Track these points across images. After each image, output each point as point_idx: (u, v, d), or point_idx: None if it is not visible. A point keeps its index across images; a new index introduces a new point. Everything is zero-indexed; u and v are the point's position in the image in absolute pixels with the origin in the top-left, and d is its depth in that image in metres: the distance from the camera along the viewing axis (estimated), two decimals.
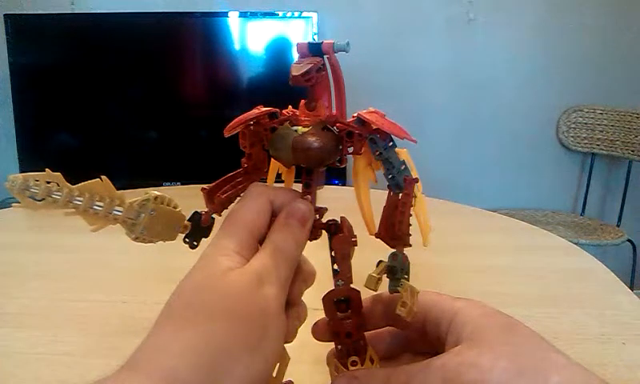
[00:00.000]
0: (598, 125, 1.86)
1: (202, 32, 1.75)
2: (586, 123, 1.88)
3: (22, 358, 0.42)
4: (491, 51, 1.87)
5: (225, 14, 1.69)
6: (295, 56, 0.28)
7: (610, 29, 1.83)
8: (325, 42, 0.27)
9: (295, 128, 0.28)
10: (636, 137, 1.77)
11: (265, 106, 0.30)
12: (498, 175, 1.96)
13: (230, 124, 0.29)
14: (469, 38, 1.85)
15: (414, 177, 0.27)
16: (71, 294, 0.53)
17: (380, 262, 0.28)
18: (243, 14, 1.69)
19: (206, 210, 0.30)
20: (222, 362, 0.22)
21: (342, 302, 0.29)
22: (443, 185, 1.39)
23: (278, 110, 0.30)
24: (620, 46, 1.85)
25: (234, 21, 1.69)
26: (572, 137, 1.90)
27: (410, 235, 0.27)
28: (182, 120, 1.76)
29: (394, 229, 0.27)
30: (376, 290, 0.28)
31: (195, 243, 0.29)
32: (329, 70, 0.28)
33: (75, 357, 0.42)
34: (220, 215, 0.30)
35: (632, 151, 1.78)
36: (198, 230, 0.29)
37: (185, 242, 0.29)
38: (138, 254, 0.65)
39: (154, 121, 1.78)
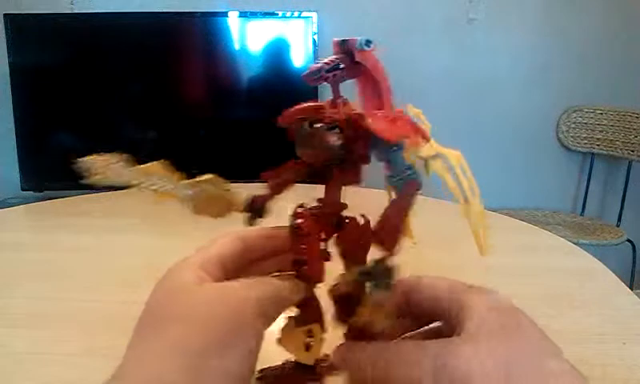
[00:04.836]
0: (598, 125, 1.86)
1: (202, 32, 1.75)
2: (585, 123, 1.88)
3: (22, 358, 0.42)
4: (491, 51, 1.87)
5: (225, 14, 1.69)
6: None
7: (609, 29, 1.83)
8: (350, 39, 0.27)
9: (316, 126, 0.28)
10: (636, 137, 1.77)
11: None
12: (497, 175, 1.96)
13: (287, 113, 0.29)
14: (469, 38, 1.85)
15: (419, 182, 0.27)
16: (71, 294, 0.53)
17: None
18: (243, 14, 1.69)
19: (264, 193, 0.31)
20: (201, 361, 0.22)
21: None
22: (443, 184, 1.38)
23: (323, 105, 0.29)
24: (620, 46, 1.85)
25: (233, 21, 1.69)
26: (572, 137, 1.90)
27: (398, 244, 0.26)
28: (181, 120, 1.76)
29: (381, 232, 0.27)
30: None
31: (252, 222, 0.31)
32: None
33: (75, 357, 0.42)
34: (276, 196, 0.31)
35: (632, 151, 1.78)
36: (254, 210, 0.31)
37: (244, 220, 0.31)
38: (138, 255, 0.65)
39: (153, 121, 1.78)
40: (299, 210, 0.29)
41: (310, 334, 0.31)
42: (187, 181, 0.28)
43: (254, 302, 0.25)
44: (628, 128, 1.80)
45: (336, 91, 0.28)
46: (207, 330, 0.23)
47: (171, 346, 0.23)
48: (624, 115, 1.81)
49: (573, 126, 1.89)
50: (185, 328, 0.23)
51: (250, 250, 0.30)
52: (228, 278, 0.27)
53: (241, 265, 0.29)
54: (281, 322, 0.30)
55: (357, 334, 0.29)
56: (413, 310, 0.29)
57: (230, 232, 0.30)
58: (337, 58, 0.27)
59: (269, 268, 0.30)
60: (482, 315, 0.26)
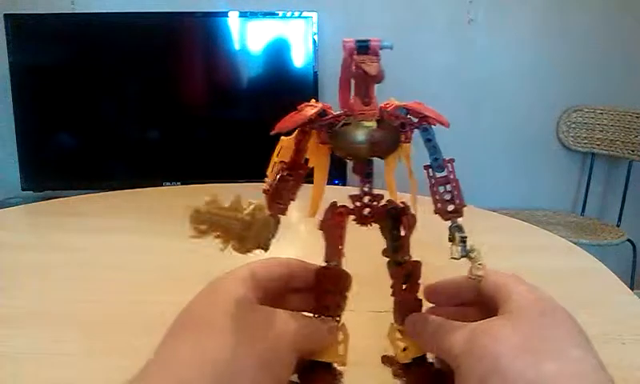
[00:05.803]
0: (598, 125, 1.86)
1: (202, 32, 1.75)
2: (586, 123, 1.88)
3: (22, 358, 0.42)
4: (491, 51, 1.87)
5: (225, 14, 1.69)
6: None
7: (609, 29, 1.83)
8: (372, 40, 0.28)
9: (361, 123, 0.29)
10: (636, 137, 1.77)
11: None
12: (497, 175, 1.96)
13: (284, 124, 0.29)
14: (469, 38, 1.85)
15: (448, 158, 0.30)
16: (71, 294, 0.53)
17: (451, 236, 0.29)
18: (243, 14, 1.69)
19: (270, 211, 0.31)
20: (229, 376, 0.23)
21: (407, 274, 0.32)
22: None
23: (322, 106, 0.30)
24: (620, 46, 1.85)
25: (233, 21, 1.69)
26: (572, 137, 1.90)
27: (465, 207, 0.29)
28: (181, 120, 1.76)
29: (449, 204, 0.29)
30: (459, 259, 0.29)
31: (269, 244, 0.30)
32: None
33: (76, 357, 0.42)
34: (285, 214, 0.31)
35: (632, 151, 1.78)
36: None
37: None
38: (138, 255, 0.65)
39: (153, 121, 1.78)
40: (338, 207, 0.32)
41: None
42: (246, 213, 0.26)
43: (291, 336, 0.26)
44: (628, 128, 1.80)
45: (372, 89, 0.29)
46: (244, 348, 0.24)
47: (205, 353, 0.23)
48: (624, 115, 1.81)
49: (573, 126, 1.89)
50: (222, 340, 0.24)
51: (294, 279, 0.31)
52: (267, 299, 0.28)
53: (281, 290, 0.30)
54: None
55: (403, 307, 0.32)
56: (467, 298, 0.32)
57: (279, 257, 0.31)
58: (378, 58, 0.28)
59: (306, 301, 0.31)
60: (521, 299, 0.27)
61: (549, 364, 0.23)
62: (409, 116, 0.30)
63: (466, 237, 0.28)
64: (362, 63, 0.27)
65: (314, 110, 0.30)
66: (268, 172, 0.31)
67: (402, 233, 0.32)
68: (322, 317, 0.31)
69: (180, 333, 0.25)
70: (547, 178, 1.97)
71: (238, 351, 0.23)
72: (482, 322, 0.27)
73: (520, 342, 0.24)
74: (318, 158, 0.32)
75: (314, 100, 0.31)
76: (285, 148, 0.31)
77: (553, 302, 0.28)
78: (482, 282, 0.29)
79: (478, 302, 0.30)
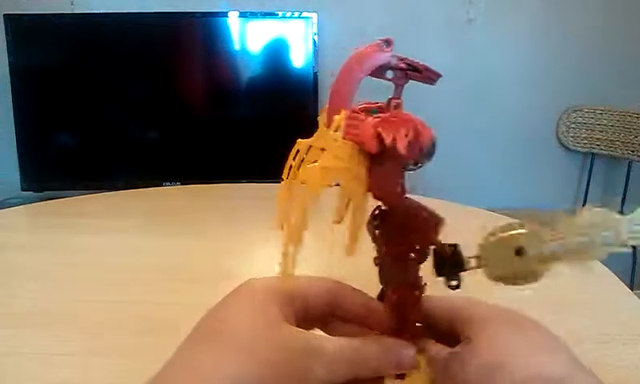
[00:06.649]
0: (598, 125, 1.86)
1: (202, 32, 1.75)
2: (585, 123, 1.88)
3: (23, 358, 0.42)
4: (491, 51, 1.87)
5: (225, 14, 1.69)
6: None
7: (609, 29, 1.83)
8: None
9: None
10: (636, 137, 1.77)
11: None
12: (497, 175, 1.96)
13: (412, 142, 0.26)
14: (469, 38, 1.85)
15: None
16: (71, 294, 0.53)
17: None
18: (243, 14, 1.69)
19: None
20: None
21: None
22: (443, 184, 1.39)
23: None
24: (620, 46, 1.85)
25: (233, 21, 1.69)
26: (572, 137, 1.90)
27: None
28: (182, 120, 1.76)
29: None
30: None
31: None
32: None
33: (76, 357, 0.42)
34: None
35: (632, 151, 1.78)
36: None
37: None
38: (139, 255, 0.65)
39: (154, 121, 1.78)
40: None
41: None
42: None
43: (322, 361, 0.24)
44: (628, 128, 1.79)
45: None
46: (268, 371, 0.22)
47: (223, 369, 0.22)
48: (624, 115, 1.81)
49: (573, 126, 1.89)
50: (244, 358, 0.22)
51: (337, 307, 0.28)
52: (303, 320, 0.26)
53: (321, 314, 0.28)
54: None
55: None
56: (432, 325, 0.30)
57: (325, 277, 0.28)
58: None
59: (352, 334, 0.28)
60: (490, 320, 0.27)
61: (517, 374, 0.23)
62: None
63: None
64: (419, 63, 0.27)
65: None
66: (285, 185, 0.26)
67: None
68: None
69: (203, 339, 0.24)
70: (547, 178, 1.97)
71: (260, 372, 0.22)
72: (450, 354, 0.27)
73: (487, 362, 0.24)
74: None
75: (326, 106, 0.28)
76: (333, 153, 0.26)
77: (514, 312, 0.28)
78: (435, 307, 0.29)
79: (432, 325, 0.29)
